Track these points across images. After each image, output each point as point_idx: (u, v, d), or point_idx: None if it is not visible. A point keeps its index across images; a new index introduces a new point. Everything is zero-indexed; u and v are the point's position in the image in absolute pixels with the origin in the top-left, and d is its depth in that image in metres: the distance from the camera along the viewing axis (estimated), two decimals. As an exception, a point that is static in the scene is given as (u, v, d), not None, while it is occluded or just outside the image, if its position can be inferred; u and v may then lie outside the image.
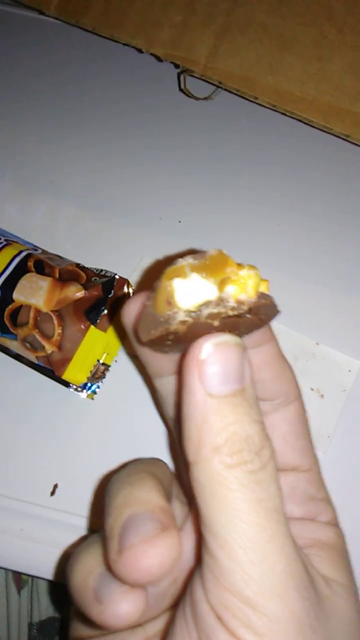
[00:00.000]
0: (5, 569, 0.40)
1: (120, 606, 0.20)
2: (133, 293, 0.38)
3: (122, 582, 0.20)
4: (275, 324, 0.39)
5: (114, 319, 0.36)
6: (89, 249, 0.41)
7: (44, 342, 0.34)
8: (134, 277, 0.40)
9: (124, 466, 0.25)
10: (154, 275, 0.36)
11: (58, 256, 0.39)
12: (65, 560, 0.25)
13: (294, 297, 0.40)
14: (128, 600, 0.20)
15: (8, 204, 0.42)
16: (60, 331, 0.34)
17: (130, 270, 0.41)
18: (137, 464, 0.24)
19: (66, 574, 0.23)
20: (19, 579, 0.40)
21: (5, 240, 0.38)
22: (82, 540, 0.25)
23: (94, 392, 0.36)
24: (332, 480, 0.34)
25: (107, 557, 0.20)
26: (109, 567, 0.21)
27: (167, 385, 0.26)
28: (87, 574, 0.21)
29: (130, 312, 0.24)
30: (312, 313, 0.40)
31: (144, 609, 0.20)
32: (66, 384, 0.36)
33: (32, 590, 0.40)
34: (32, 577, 0.40)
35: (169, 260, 0.21)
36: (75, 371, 0.34)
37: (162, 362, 0.24)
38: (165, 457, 0.35)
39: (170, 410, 0.26)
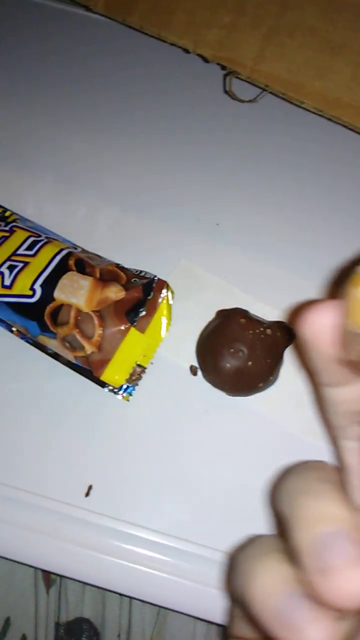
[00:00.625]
0: (37, 568, 0.40)
1: (314, 634, 0.19)
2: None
3: (318, 606, 0.19)
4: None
5: (152, 322, 0.36)
6: (127, 249, 0.41)
7: (83, 342, 0.34)
8: (171, 279, 0.39)
9: (289, 471, 0.23)
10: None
11: (97, 255, 0.39)
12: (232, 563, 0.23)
13: None
14: (322, 628, 0.19)
15: (49, 203, 0.42)
16: (100, 332, 0.34)
17: (168, 272, 0.41)
18: (316, 470, 0.22)
19: (233, 580, 0.21)
20: (48, 577, 0.40)
21: (45, 237, 0.38)
22: (246, 543, 0.23)
23: (130, 394, 0.36)
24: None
25: (300, 575, 0.19)
26: (300, 586, 0.19)
27: (343, 394, 0.23)
28: (269, 591, 0.20)
29: (316, 324, 0.21)
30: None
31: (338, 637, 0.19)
32: (102, 384, 0.36)
33: (60, 589, 0.40)
34: (62, 577, 0.40)
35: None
36: (114, 372, 0.34)
37: (341, 373, 0.22)
38: (207, 462, 0.35)
39: (341, 420, 0.24)
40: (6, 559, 0.32)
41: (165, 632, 0.39)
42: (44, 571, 0.41)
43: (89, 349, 0.34)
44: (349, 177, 0.44)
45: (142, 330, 0.35)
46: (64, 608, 0.39)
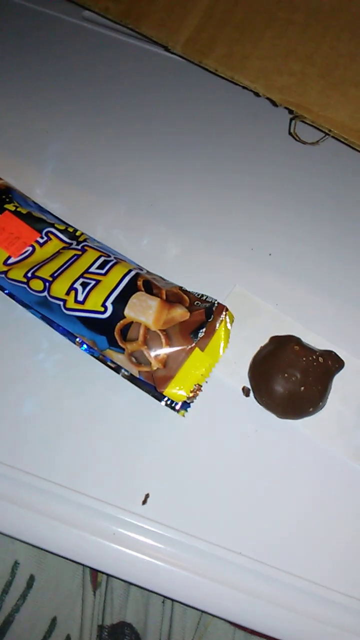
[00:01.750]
0: (92, 569, 0.41)
1: None
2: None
3: None
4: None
5: (211, 342, 0.38)
6: (187, 274, 0.43)
7: (150, 359, 0.36)
8: (227, 303, 0.42)
9: None
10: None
11: (161, 277, 0.41)
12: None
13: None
14: None
15: (118, 229, 0.45)
16: (167, 350, 0.36)
17: (224, 297, 0.43)
18: None
19: None
20: (96, 579, 0.42)
21: (115, 257, 0.40)
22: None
23: (186, 410, 0.38)
24: None
25: None
26: None
27: None
28: None
29: None
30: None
31: None
32: (160, 398, 0.38)
33: (106, 591, 0.41)
34: (109, 577, 0.42)
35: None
36: (177, 388, 0.36)
37: None
38: (255, 479, 0.37)
39: None
40: (62, 557, 0.34)
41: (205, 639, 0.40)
42: (91, 573, 0.42)
43: (155, 365, 0.36)
44: None
45: (202, 349, 0.38)
46: (108, 611, 0.41)
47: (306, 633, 0.34)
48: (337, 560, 0.36)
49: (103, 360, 0.39)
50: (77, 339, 0.39)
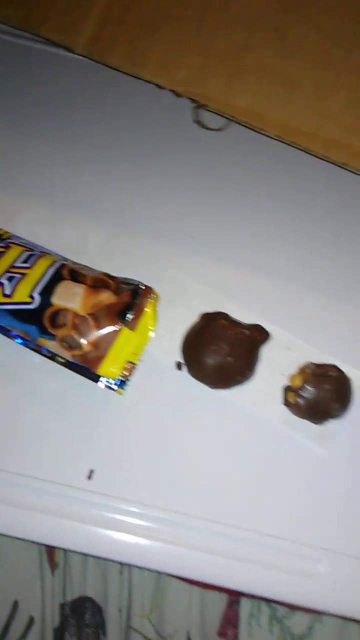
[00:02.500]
0: (46, 545, 0.43)
1: None
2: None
3: None
4: (286, 334, 0.44)
5: (140, 322, 0.41)
6: (118, 263, 0.45)
7: (81, 341, 0.38)
8: (159, 287, 0.44)
9: None
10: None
11: (87, 267, 0.43)
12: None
13: (306, 311, 0.45)
14: None
15: (41, 225, 0.46)
16: (96, 331, 0.38)
17: (156, 281, 0.45)
18: None
19: None
20: (53, 560, 0.43)
21: (39, 252, 0.42)
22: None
23: (123, 388, 0.40)
24: (335, 475, 0.39)
25: None
26: None
27: None
28: None
29: None
30: (319, 326, 0.45)
31: None
32: (96, 379, 0.40)
33: (64, 570, 0.43)
34: (67, 552, 0.43)
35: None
36: (110, 367, 0.38)
37: None
38: (192, 445, 0.39)
39: None
40: (16, 538, 0.35)
41: (164, 602, 0.42)
42: (48, 555, 0.43)
43: (86, 347, 0.38)
44: (308, 190, 0.50)
45: (132, 329, 0.40)
46: (68, 588, 0.42)
47: (253, 579, 0.37)
48: (276, 510, 0.39)
49: (38, 350, 0.41)
50: (11, 333, 0.40)
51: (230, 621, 0.43)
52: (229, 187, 0.50)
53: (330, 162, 0.43)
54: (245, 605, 0.43)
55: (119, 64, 0.44)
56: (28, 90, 0.53)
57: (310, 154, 0.43)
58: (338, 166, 0.43)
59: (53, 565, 0.43)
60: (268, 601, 0.42)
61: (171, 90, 0.44)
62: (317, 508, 0.39)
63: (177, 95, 0.45)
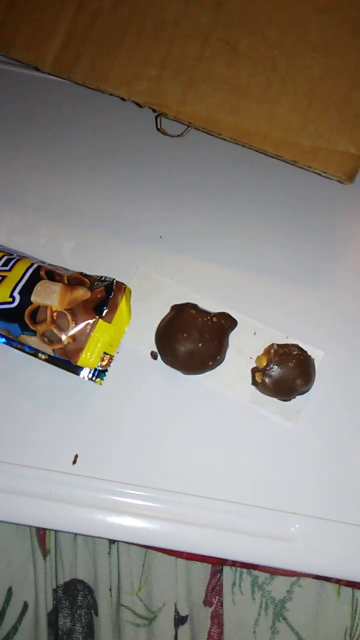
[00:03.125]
0: (37, 527, 0.45)
1: None
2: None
3: None
4: (251, 321, 0.47)
5: (115, 316, 0.44)
6: (92, 264, 0.48)
7: (60, 335, 0.41)
8: (131, 283, 0.47)
9: None
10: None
11: (63, 268, 0.46)
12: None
13: (269, 299, 0.49)
14: None
15: (17, 234, 0.49)
16: (74, 325, 0.41)
17: (129, 277, 0.48)
18: None
19: None
20: (44, 546, 0.45)
21: (17, 256, 0.45)
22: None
23: (102, 379, 0.43)
24: (302, 446, 0.43)
25: None
26: None
27: None
28: None
29: None
30: (282, 311, 0.48)
31: None
32: (77, 372, 0.42)
33: (55, 555, 0.45)
34: (57, 537, 0.46)
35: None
36: (88, 357, 0.41)
37: None
38: (168, 428, 0.42)
39: None
40: (7, 522, 0.38)
41: (151, 578, 0.45)
42: (40, 540, 0.46)
43: (65, 340, 0.41)
44: (263, 187, 0.54)
45: (108, 322, 0.43)
46: (60, 572, 0.44)
47: (233, 545, 0.40)
48: (251, 481, 0.42)
49: (21, 348, 0.43)
50: (-5, 333, 0.43)
51: (214, 590, 0.46)
52: (190, 188, 0.53)
53: (282, 160, 0.47)
54: (227, 574, 0.46)
55: (84, 79, 0.48)
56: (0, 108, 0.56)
57: (263, 154, 0.47)
58: (288, 163, 0.47)
59: (44, 550, 0.45)
60: (249, 568, 0.45)
61: (133, 101, 0.48)
62: (288, 477, 0.42)
63: (139, 105, 0.48)
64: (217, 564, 0.45)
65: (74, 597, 0.44)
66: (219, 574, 0.46)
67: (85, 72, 0.48)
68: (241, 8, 0.48)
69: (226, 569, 0.46)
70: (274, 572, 0.44)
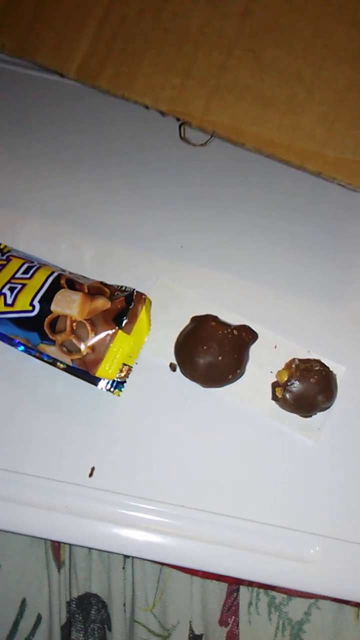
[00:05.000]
0: (52, 541, 0.44)
1: None
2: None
3: None
4: (272, 334, 0.46)
5: (135, 327, 0.43)
6: (112, 272, 0.47)
7: (79, 345, 0.40)
8: (151, 293, 0.46)
9: None
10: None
11: (83, 276, 0.45)
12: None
13: (290, 312, 0.48)
14: None
15: (37, 240, 0.49)
16: (93, 335, 0.40)
17: (149, 288, 0.47)
18: None
19: None
20: (59, 558, 0.45)
21: (38, 263, 0.44)
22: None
23: (120, 390, 0.42)
24: (323, 464, 0.42)
25: None
26: None
27: None
28: None
29: None
30: (304, 325, 0.47)
31: None
32: (95, 382, 0.42)
33: (70, 567, 0.44)
34: (72, 550, 0.45)
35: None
36: (107, 369, 0.41)
37: None
38: (187, 442, 0.42)
39: None
40: (22, 534, 0.37)
41: (166, 595, 0.44)
42: (54, 553, 0.45)
43: (84, 350, 0.40)
44: (288, 199, 0.53)
45: (127, 333, 0.42)
46: (74, 586, 0.43)
47: (250, 566, 0.39)
48: (269, 500, 0.41)
49: (40, 357, 0.43)
50: (14, 341, 0.43)
51: (230, 609, 0.45)
52: (214, 198, 0.53)
53: (306, 172, 0.46)
54: (244, 594, 0.45)
55: (108, 87, 0.48)
56: (24, 113, 0.56)
57: (287, 165, 0.46)
58: (312, 175, 0.46)
59: (59, 563, 0.45)
60: (266, 588, 0.44)
61: (157, 110, 0.47)
62: (308, 496, 0.41)
63: (163, 114, 0.48)
64: (234, 583, 0.44)
65: (88, 611, 0.43)
66: (235, 593, 0.45)
67: (109, 79, 0.48)
68: (267, 18, 0.48)
69: (243, 589, 0.45)
70: (291, 593, 0.43)
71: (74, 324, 0.41)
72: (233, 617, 0.44)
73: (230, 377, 0.44)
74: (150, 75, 0.47)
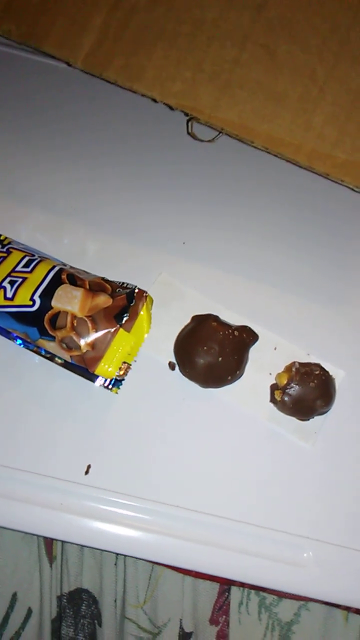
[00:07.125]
0: (46, 537, 0.44)
1: None
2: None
3: None
4: (273, 336, 0.46)
5: (135, 324, 0.42)
6: (113, 267, 0.47)
7: (79, 342, 0.40)
8: (152, 290, 0.46)
9: None
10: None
11: (84, 271, 0.45)
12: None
13: (291, 314, 0.47)
14: None
15: (38, 231, 0.48)
16: (94, 332, 0.40)
17: (149, 285, 0.47)
18: None
19: None
20: (51, 553, 0.45)
21: (39, 256, 0.44)
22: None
23: (118, 387, 0.42)
24: (318, 468, 0.42)
25: None
26: None
27: None
28: None
29: None
30: (304, 327, 0.47)
31: None
32: (93, 379, 0.42)
33: (61, 562, 0.44)
34: (64, 545, 0.45)
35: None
36: (107, 367, 0.40)
37: None
38: (184, 442, 0.42)
39: None
40: (17, 531, 0.37)
41: (158, 592, 0.44)
42: (46, 548, 0.45)
43: (84, 348, 0.40)
44: (295, 199, 0.53)
45: (128, 331, 0.42)
46: (65, 580, 0.44)
47: (242, 567, 0.39)
48: (264, 502, 0.41)
49: (38, 351, 0.42)
50: (12, 334, 0.42)
51: (221, 609, 0.45)
52: (219, 196, 0.52)
53: (314, 173, 0.45)
54: (235, 594, 0.45)
55: (116, 78, 0.47)
56: (28, 100, 0.55)
57: (295, 165, 0.46)
58: (321, 176, 0.45)
59: (51, 558, 0.45)
60: (257, 589, 0.44)
61: (165, 104, 0.47)
62: (303, 499, 0.41)
63: (171, 108, 0.47)
64: (225, 583, 0.44)
65: (78, 606, 0.43)
66: (226, 593, 0.45)
67: (118, 70, 0.47)
68: (283, 13, 0.47)
69: (234, 589, 0.45)
70: (282, 594, 0.43)
71: (75, 321, 0.40)
72: (224, 616, 0.44)
73: (229, 378, 0.44)
74: (160, 67, 0.46)
